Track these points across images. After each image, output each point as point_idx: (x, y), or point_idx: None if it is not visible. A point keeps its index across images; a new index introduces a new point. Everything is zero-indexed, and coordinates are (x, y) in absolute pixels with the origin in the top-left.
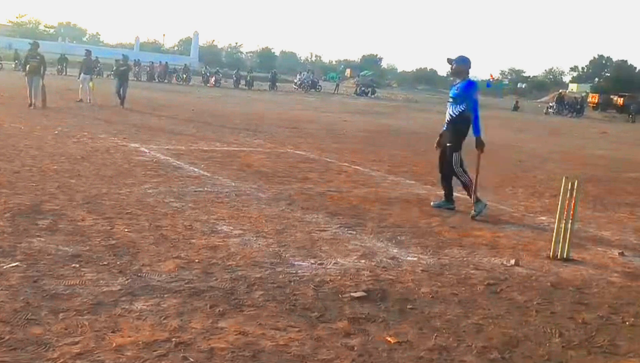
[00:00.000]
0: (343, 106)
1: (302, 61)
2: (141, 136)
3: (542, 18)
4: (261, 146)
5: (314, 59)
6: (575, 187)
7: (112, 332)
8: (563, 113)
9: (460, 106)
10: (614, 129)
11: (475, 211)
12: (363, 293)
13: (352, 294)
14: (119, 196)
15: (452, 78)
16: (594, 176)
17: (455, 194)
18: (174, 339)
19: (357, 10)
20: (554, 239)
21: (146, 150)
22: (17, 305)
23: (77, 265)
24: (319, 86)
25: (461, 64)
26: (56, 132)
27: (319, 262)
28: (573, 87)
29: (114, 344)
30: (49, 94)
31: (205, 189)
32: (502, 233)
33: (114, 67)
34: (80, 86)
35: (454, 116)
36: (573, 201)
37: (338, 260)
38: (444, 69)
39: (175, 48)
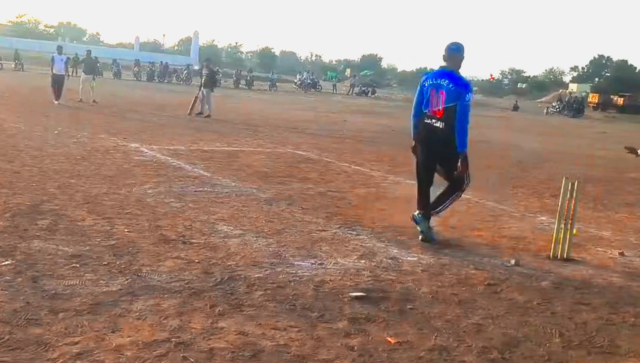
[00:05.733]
0: (343, 106)
1: (302, 61)
2: (141, 136)
3: (542, 18)
4: (261, 146)
5: (314, 59)
6: (575, 187)
7: (112, 332)
8: (563, 113)
9: None
10: (614, 129)
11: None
12: (363, 293)
13: (352, 294)
14: (119, 196)
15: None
16: (594, 176)
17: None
18: (173, 339)
19: (357, 10)
20: (554, 239)
21: (146, 150)
22: (17, 305)
23: (77, 265)
24: (319, 85)
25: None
26: (56, 132)
27: (319, 262)
28: (573, 87)
29: (114, 344)
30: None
31: (205, 189)
32: (502, 233)
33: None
34: (81, 86)
35: None
36: (573, 201)
37: (338, 260)
38: None
39: (175, 48)
